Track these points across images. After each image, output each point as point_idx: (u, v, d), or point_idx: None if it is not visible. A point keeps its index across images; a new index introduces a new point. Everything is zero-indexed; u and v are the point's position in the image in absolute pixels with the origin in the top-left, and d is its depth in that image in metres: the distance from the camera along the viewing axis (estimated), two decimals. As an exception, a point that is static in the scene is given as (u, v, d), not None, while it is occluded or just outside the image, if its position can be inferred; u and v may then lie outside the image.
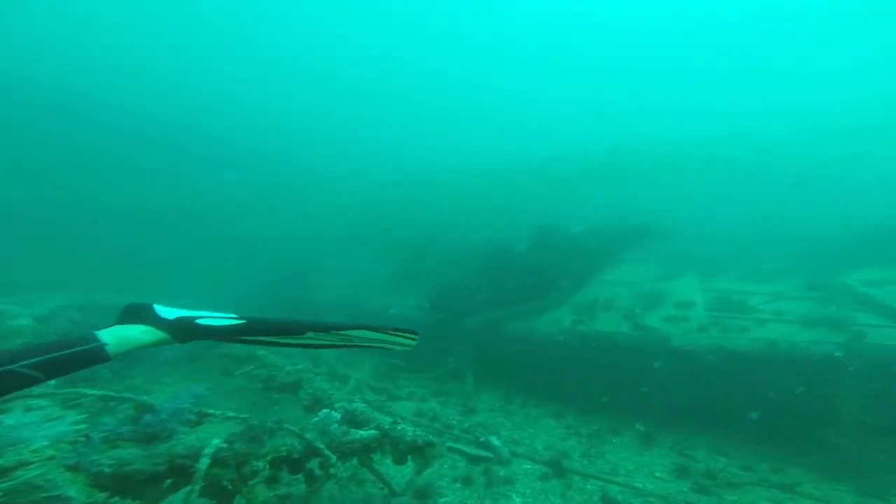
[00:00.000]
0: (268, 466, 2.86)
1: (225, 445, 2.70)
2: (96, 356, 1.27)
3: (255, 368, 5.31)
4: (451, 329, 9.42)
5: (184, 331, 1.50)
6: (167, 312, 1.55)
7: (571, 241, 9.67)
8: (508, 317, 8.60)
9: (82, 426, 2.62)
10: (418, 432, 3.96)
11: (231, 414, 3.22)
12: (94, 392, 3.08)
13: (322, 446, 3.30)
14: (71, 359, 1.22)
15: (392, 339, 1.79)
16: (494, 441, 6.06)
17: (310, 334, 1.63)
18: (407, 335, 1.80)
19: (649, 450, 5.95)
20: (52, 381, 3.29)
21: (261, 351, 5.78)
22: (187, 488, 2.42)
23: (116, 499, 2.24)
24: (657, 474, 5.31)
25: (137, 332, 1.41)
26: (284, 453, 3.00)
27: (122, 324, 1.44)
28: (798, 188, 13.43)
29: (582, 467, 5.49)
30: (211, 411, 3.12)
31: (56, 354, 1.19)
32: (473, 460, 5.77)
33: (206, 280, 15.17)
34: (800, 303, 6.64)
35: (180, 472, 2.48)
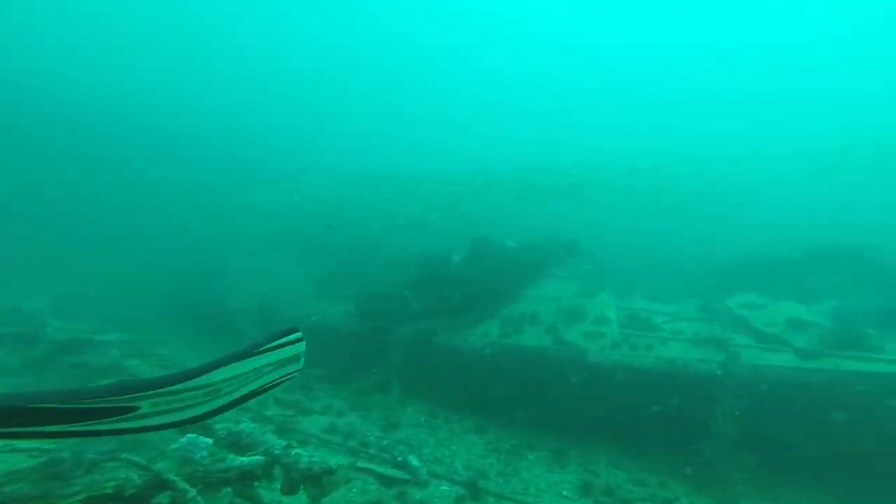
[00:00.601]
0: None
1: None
2: None
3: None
4: (379, 338, 8.90)
5: None
6: None
7: (505, 255, 9.79)
8: (441, 328, 8.34)
9: None
10: (315, 458, 3.44)
11: (28, 446, 2.39)
12: None
13: (176, 478, 2.65)
14: None
15: (276, 358, 1.27)
16: (413, 461, 5.65)
17: (145, 408, 0.98)
18: (289, 339, 1.27)
19: (561, 466, 5.99)
20: None
21: (132, 361, 4.79)
22: None
23: None
24: (565, 493, 5.34)
25: None
26: (110, 490, 2.29)
27: None
28: (740, 208, 15.04)
29: (497, 487, 5.32)
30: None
31: None
32: (386, 482, 5.30)
33: (108, 274, 12.87)
34: (693, 323, 7.29)
35: None
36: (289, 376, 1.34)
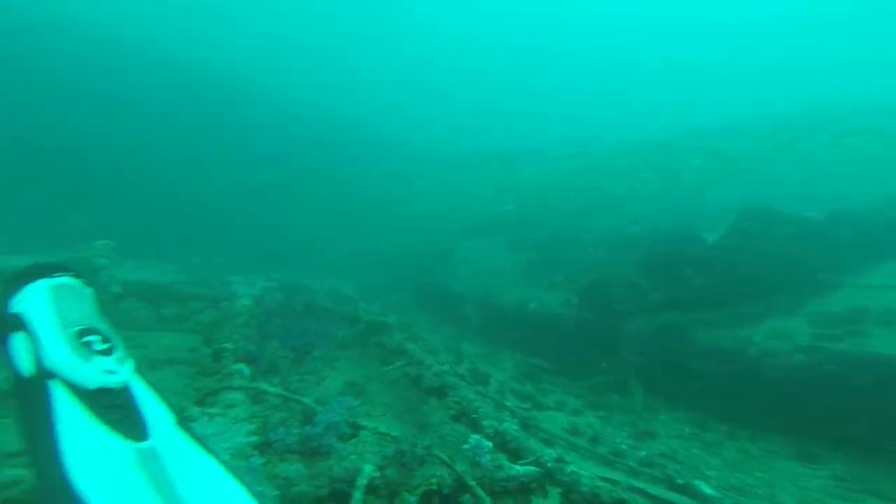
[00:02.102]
0: (417, 501, 2.40)
1: (377, 473, 2.39)
2: None
3: (405, 365, 5.10)
4: (607, 332, 7.82)
5: None
6: None
7: (801, 229, 6.75)
8: (695, 323, 6.50)
9: (254, 438, 2.64)
10: (598, 482, 2.87)
11: (383, 429, 2.92)
12: (274, 390, 3.19)
13: (473, 483, 2.63)
14: None
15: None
16: (704, 488, 4.37)
17: None
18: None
19: None
20: (247, 371, 3.45)
21: (410, 345, 5.57)
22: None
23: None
24: None
25: None
26: (435, 487, 2.48)
27: None
28: None
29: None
30: (364, 423, 2.89)
31: None
32: (671, 512, 4.27)
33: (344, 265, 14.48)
34: None
35: (339, 499, 2.33)
36: None
